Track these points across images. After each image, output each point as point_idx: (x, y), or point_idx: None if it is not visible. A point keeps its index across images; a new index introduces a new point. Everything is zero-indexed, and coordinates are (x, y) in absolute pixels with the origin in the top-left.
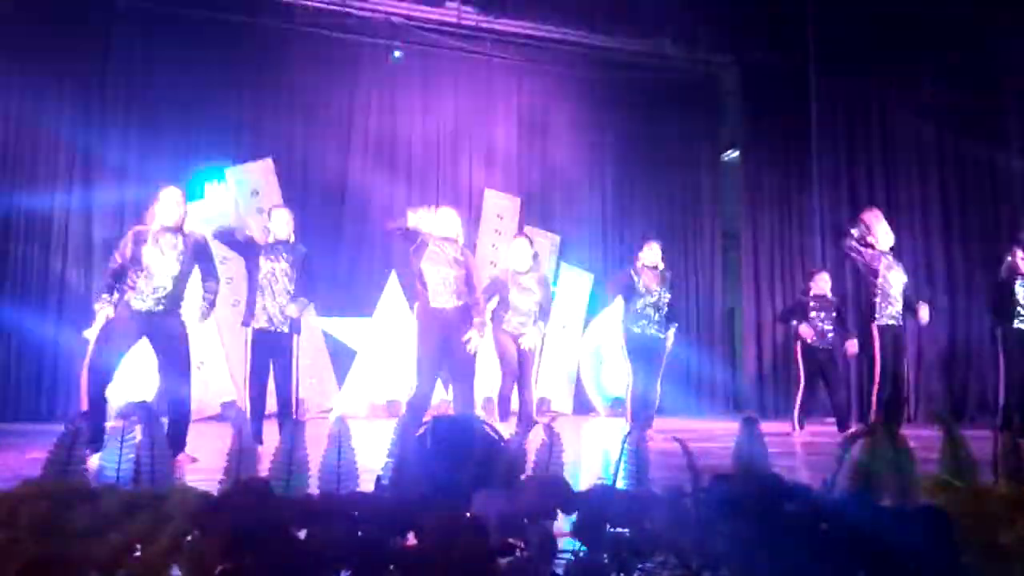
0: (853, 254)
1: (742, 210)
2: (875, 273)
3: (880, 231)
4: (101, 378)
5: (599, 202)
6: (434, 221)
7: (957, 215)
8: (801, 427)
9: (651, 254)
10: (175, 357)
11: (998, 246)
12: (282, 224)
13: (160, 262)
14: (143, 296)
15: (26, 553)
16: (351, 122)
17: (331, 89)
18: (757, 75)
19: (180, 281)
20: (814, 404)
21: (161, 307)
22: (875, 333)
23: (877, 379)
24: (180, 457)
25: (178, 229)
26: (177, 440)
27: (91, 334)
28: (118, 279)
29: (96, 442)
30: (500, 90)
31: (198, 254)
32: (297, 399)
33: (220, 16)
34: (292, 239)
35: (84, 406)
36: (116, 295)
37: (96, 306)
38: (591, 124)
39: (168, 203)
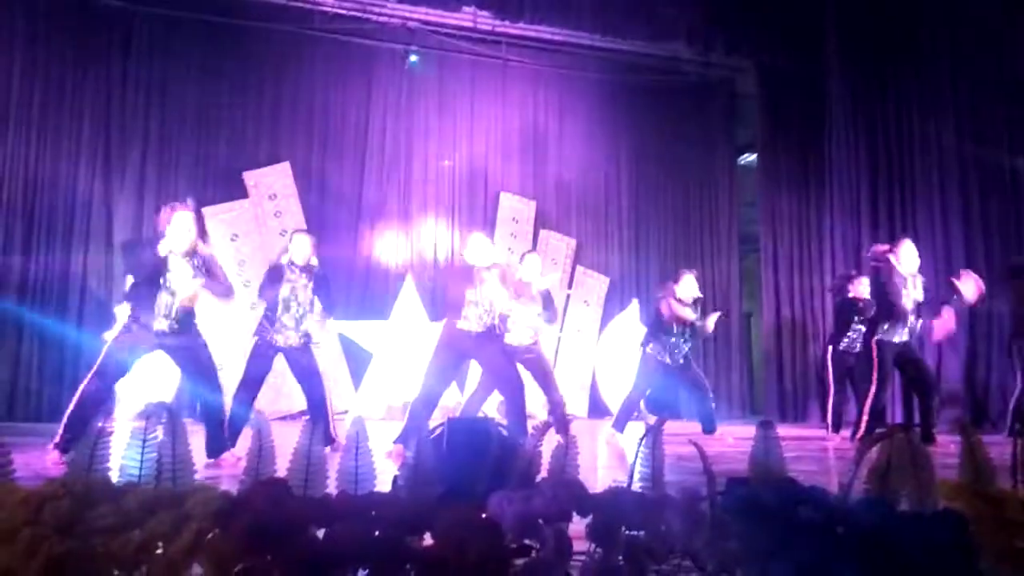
0: (881, 264)
1: (759, 213)
2: (894, 292)
3: (905, 253)
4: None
5: (615, 205)
6: (475, 250)
7: (977, 221)
8: (836, 431)
9: (686, 287)
10: (198, 364)
11: (1019, 253)
12: (300, 248)
13: (177, 285)
14: (159, 316)
15: (50, 550)
16: (368, 126)
17: (348, 93)
18: (774, 78)
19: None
20: (848, 408)
21: (177, 327)
22: (874, 348)
23: (872, 392)
24: (225, 456)
25: (192, 253)
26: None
27: (111, 336)
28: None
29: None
30: (515, 93)
31: (209, 272)
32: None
33: (237, 22)
34: (312, 262)
35: (72, 405)
36: (130, 312)
37: (116, 310)
38: (606, 127)
39: (180, 229)
